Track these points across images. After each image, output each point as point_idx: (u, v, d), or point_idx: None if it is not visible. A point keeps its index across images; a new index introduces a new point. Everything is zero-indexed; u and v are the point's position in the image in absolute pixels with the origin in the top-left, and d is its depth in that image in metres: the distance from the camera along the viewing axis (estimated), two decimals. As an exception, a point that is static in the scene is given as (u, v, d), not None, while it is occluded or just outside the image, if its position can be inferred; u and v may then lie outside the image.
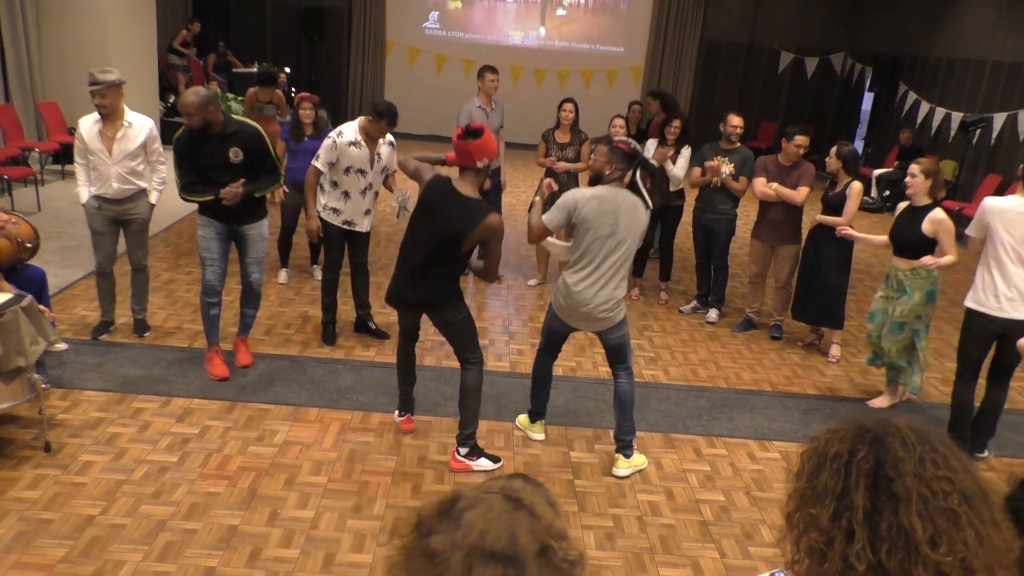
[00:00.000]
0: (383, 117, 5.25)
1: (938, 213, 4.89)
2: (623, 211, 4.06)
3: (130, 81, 11.15)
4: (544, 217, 4.19)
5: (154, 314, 5.87)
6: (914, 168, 4.98)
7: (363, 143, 5.31)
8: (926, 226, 4.88)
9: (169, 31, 12.93)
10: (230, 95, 11.43)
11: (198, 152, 4.68)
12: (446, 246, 3.96)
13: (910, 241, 4.96)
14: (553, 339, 4.50)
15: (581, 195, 4.09)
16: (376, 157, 5.42)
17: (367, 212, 5.56)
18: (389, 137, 5.53)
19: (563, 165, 6.83)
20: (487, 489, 1.06)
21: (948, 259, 4.87)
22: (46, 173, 9.32)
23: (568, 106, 6.94)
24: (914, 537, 1.15)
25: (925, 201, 4.95)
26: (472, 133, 3.99)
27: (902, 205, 5.16)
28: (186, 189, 4.76)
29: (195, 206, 4.91)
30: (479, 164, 3.98)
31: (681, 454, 4.58)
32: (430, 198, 4.03)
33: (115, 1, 9.94)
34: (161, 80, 11.89)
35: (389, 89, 15.66)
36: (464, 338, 4.21)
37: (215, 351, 5.06)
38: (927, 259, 4.90)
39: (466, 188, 3.99)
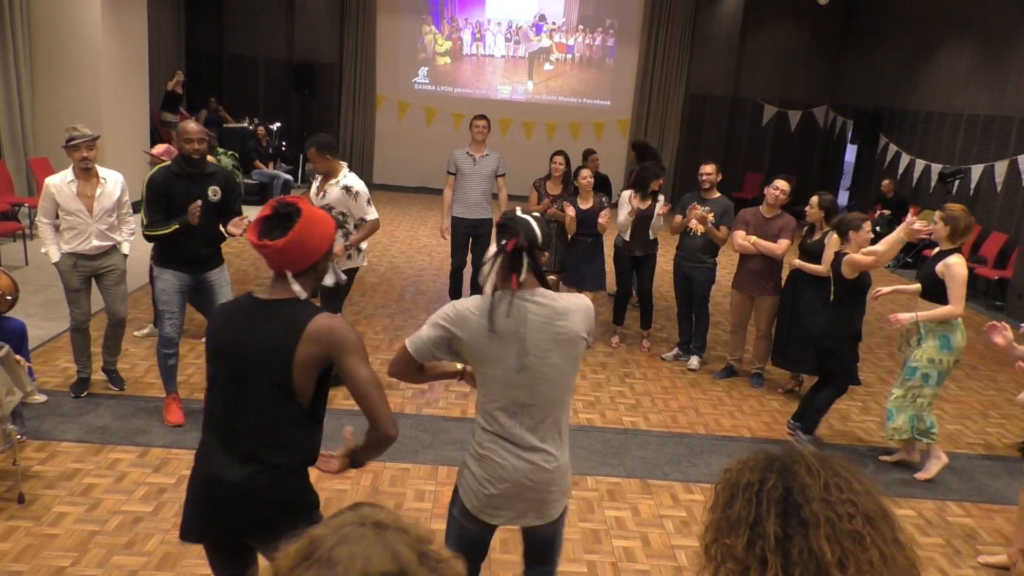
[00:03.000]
0: (311, 145, 5.40)
1: (952, 258, 4.83)
2: (532, 325, 2.50)
3: (122, 136, 11.23)
4: (408, 341, 2.64)
5: (137, 364, 5.90)
6: (937, 215, 4.99)
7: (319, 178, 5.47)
8: (939, 268, 4.87)
9: (161, 87, 13.16)
10: (220, 149, 11.60)
11: (175, 189, 4.74)
12: (271, 391, 2.39)
13: (922, 282, 4.98)
14: (475, 550, 2.71)
15: (463, 307, 2.56)
16: (322, 194, 5.45)
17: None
18: (348, 180, 5.41)
19: (546, 203, 6.93)
20: (342, 524, 1.05)
21: (940, 311, 4.78)
22: (35, 227, 9.39)
23: (558, 159, 7.07)
24: (824, 560, 1.20)
25: (948, 246, 4.93)
26: (273, 227, 2.38)
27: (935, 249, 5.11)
28: (151, 226, 4.77)
29: None
30: (286, 271, 2.43)
31: (658, 500, 4.58)
32: (225, 326, 2.49)
33: (108, 58, 10.17)
34: (153, 136, 12.07)
35: (379, 142, 15.90)
36: None
37: (173, 398, 5.13)
38: (902, 316, 4.87)
39: (278, 291, 2.46)
